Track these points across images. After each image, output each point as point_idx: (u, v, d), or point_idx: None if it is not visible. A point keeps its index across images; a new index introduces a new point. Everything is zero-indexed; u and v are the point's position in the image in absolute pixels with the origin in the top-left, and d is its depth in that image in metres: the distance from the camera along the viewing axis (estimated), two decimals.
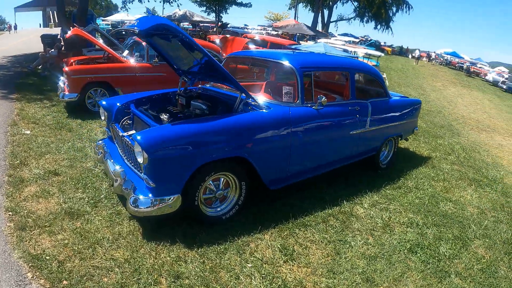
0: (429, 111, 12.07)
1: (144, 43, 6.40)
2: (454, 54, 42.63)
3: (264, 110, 3.40)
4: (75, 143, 4.96)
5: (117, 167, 3.12)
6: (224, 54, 7.46)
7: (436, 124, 10.07)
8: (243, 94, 3.39)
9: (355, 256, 3.09)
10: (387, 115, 4.98)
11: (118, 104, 3.75)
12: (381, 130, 4.91)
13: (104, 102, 3.82)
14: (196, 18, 16.81)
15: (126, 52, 6.95)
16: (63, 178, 3.85)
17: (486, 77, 32.27)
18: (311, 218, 3.57)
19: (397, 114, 5.20)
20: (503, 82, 29.00)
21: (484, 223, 4.07)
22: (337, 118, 4.15)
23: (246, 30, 25.04)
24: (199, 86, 4.36)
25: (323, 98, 3.73)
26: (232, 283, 2.54)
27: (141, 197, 2.74)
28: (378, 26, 43.94)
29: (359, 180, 4.67)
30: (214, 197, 3.15)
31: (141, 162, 2.69)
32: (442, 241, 3.56)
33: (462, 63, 38.20)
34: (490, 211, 4.49)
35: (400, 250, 3.28)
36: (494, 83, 30.11)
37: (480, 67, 36.96)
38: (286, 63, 3.82)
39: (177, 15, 16.42)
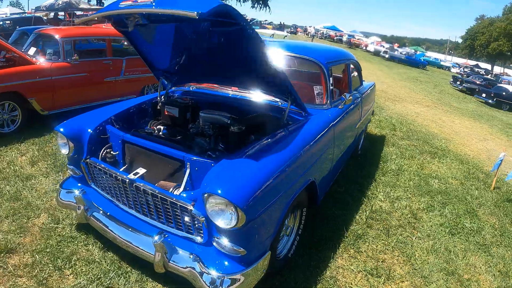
0: None
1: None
2: (333, 28, 49.19)
3: (302, 118, 3.19)
4: (2, 188, 3.68)
5: (156, 238, 2.19)
6: None
7: None
8: (286, 102, 3.08)
9: (423, 254, 3.44)
10: (367, 101, 5.51)
11: (89, 130, 2.83)
12: (365, 118, 5.45)
13: (62, 129, 2.78)
14: (83, 6, 14.25)
15: (32, 50, 5.36)
16: (26, 259, 2.75)
17: (368, 48, 38.67)
18: (356, 226, 3.73)
19: (370, 99, 5.86)
20: (385, 52, 35.31)
21: (473, 193, 5.08)
22: (352, 115, 4.34)
23: None
24: (173, 88, 3.72)
25: (349, 97, 3.82)
26: None
27: (222, 274, 2.09)
28: (255, 5, 45.94)
29: (347, 174, 5.05)
30: (282, 235, 2.81)
31: (227, 226, 2.01)
32: (461, 217, 4.30)
33: (341, 36, 44.56)
34: (466, 181, 5.60)
35: (445, 236, 3.82)
36: (376, 53, 36.37)
37: (358, 39, 43.97)
38: (311, 58, 3.68)
39: (60, 3, 13.52)
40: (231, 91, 3.46)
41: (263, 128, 3.03)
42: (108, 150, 2.86)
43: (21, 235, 3.01)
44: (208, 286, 2.05)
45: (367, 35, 65.46)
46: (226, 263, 2.14)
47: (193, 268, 2.13)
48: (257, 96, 3.29)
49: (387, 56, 34.43)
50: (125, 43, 6.30)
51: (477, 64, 48.22)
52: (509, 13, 48.27)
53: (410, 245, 3.56)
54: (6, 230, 3.05)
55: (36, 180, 3.97)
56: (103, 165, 2.60)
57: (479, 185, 5.48)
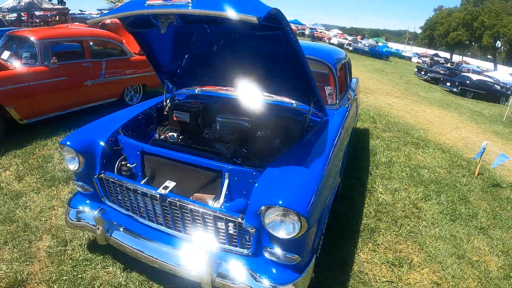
0: None
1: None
2: (295, 22, 49.96)
3: (319, 120, 3.27)
4: None
5: (209, 260, 2.10)
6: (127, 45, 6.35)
7: None
8: (304, 105, 3.15)
9: (433, 241, 3.74)
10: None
11: (101, 142, 2.65)
12: (358, 113, 5.77)
13: (69, 143, 2.54)
14: (45, 6, 13.23)
15: (5, 54, 4.95)
16: None
17: (331, 41, 39.80)
18: (368, 220, 3.94)
19: (358, 94, 6.23)
20: (349, 44, 36.61)
21: (461, 180, 5.52)
22: (351, 112, 4.53)
23: (84, 15, 21.95)
24: (177, 92, 3.58)
25: (353, 95, 3.99)
26: None
27: (274, 284, 2.09)
28: None
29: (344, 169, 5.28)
30: None
31: (289, 236, 1.99)
32: (456, 204, 4.68)
33: (303, 30, 45.43)
34: (452, 169, 6.06)
35: (447, 222, 4.15)
36: (340, 46, 37.49)
37: (321, 32, 45.13)
38: (320, 59, 3.78)
39: (23, 4, 12.43)
40: (242, 94, 3.42)
41: (286, 131, 3.06)
42: (123, 163, 2.71)
43: (27, 262, 2.77)
44: None
45: (328, 27, 67.32)
46: (278, 272, 2.13)
47: (246, 283, 2.10)
48: (273, 98, 3.32)
49: (351, 48, 35.74)
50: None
51: (436, 53, 51.31)
52: (467, 3, 51.60)
53: (419, 234, 3.82)
54: (9, 258, 2.80)
55: (28, 197, 3.72)
56: (125, 181, 2.41)
57: (464, 172, 5.96)
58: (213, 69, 3.22)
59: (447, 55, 58.00)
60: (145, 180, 2.69)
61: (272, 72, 2.89)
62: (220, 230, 2.22)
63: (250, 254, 2.19)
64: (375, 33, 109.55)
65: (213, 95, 3.56)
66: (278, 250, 2.11)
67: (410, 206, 4.46)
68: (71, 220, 2.69)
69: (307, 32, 44.21)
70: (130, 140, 2.72)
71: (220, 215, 2.13)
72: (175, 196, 2.23)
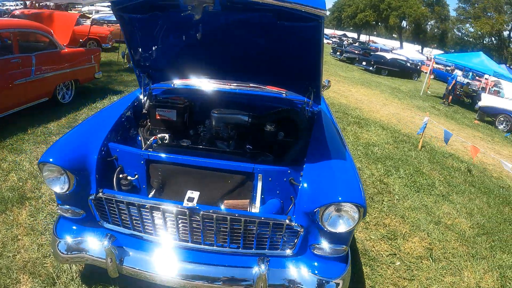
0: None
1: None
2: None
3: (310, 109, 3.20)
4: None
5: (262, 267, 1.95)
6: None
7: None
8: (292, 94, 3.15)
9: (410, 212, 4.14)
10: None
11: (93, 155, 2.18)
12: None
13: (51, 159, 2.00)
14: None
15: None
16: None
17: None
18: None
19: None
20: None
21: (410, 154, 6.22)
22: None
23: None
24: (149, 87, 3.14)
25: (328, 83, 4.13)
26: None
27: (328, 278, 2.10)
28: None
29: None
30: None
31: (348, 229, 1.99)
32: (414, 176, 5.28)
33: None
34: (398, 144, 6.77)
35: (414, 194, 4.66)
36: None
37: None
38: None
39: None
40: (229, 86, 3.27)
41: (288, 123, 2.93)
42: (122, 176, 2.30)
43: None
44: None
45: None
46: (329, 266, 2.12)
47: (301, 283, 2.05)
48: (259, 89, 3.25)
49: None
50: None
51: (344, 34, 55.41)
52: None
53: (397, 207, 4.19)
54: None
55: None
56: (136, 198, 2.01)
57: (409, 146, 6.70)
58: (200, 60, 2.93)
59: (354, 35, 63.00)
60: (152, 193, 2.36)
61: (275, 62, 2.75)
62: (262, 236, 2.08)
63: (293, 254, 2.12)
64: None
65: (193, 88, 3.27)
66: (325, 245, 2.08)
67: (378, 182, 4.85)
68: (63, 253, 2.19)
69: None
70: (129, 148, 2.35)
71: (266, 220, 1.99)
72: (208, 207, 1.98)
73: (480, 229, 4.05)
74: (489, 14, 42.66)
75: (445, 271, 3.25)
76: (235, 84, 3.28)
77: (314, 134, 2.66)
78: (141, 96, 3.02)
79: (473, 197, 4.91)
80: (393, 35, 65.90)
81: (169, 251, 2.10)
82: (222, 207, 2.15)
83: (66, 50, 5.52)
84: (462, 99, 16.03)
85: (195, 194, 2.01)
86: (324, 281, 2.06)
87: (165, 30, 2.52)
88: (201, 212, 1.94)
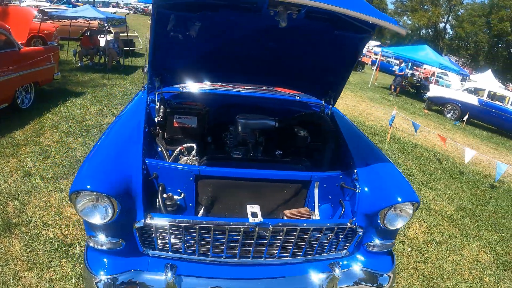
0: None
1: None
2: (144, 1, 47.05)
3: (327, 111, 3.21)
4: None
5: (337, 271, 1.98)
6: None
7: None
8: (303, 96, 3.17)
9: None
10: None
11: (139, 177, 1.91)
12: None
13: (89, 186, 1.73)
14: None
15: None
16: None
17: None
18: None
19: None
20: None
21: (382, 146, 6.63)
22: None
23: None
24: (161, 91, 2.86)
25: None
26: None
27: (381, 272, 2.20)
28: None
29: None
30: None
31: (404, 223, 2.14)
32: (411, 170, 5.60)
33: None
34: (370, 136, 7.14)
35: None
36: None
37: None
38: None
39: None
40: (242, 89, 3.15)
41: (314, 126, 2.88)
42: (167, 196, 2.06)
43: None
44: (384, 287, 2.13)
45: None
46: (383, 260, 2.22)
47: (360, 281, 2.11)
48: (271, 92, 3.22)
49: None
50: None
51: None
52: None
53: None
54: None
55: None
56: (198, 220, 1.86)
57: (379, 139, 7.13)
58: (224, 63, 2.77)
59: None
60: (201, 211, 2.19)
61: (303, 66, 2.72)
62: (324, 241, 2.10)
63: (348, 253, 2.19)
64: None
65: (206, 92, 3.07)
66: (377, 241, 2.17)
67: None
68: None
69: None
70: (175, 164, 2.17)
71: (331, 226, 2.03)
72: (275, 221, 1.93)
73: (463, 212, 4.47)
74: (425, 7, 46.25)
75: (448, 251, 3.57)
76: (248, 87, 3.18)
77: (346, 136, 2.68)
78: (149, 100, 2.79)
79: (448, 183, 5.39)
80: None
81: (232, 270, 2.00)
82: (285, 217, 2.10)
83: (24, 49, 4.91)
84: (408, 89, 17.42)
85: (256, 208, 1.95)
86: (378, 275, 2.15)
87: (203, 30, 2.30)
88: (271, 227, 1.87)
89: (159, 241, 1.90)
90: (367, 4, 1.75)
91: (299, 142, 2.71)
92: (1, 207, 3.02)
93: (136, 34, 12.42)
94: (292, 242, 1.97)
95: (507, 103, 11.41)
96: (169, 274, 1.76)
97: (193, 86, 3.03)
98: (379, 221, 2.06)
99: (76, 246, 2.68)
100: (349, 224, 2.04)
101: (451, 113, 12.39)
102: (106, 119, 5.42)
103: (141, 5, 44.14)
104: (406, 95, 16.12)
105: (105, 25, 9.35)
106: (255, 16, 2.05)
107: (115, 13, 15.80)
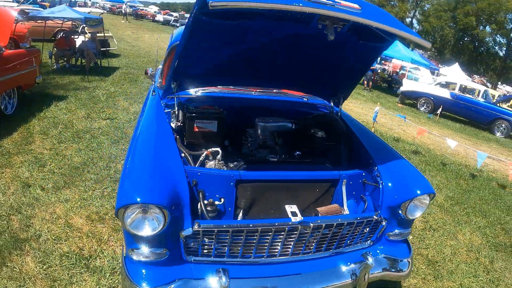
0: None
1: None
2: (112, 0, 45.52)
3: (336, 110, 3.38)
4: None
5: (370, 260, 2.10)
6: None
7: None
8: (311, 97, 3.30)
9: None
10: None
11: (185, 185, 1.90)
12: None
13: (139, 199, 1.70)
14: None
15: None
16: None
17: (156, 18, 38.50)
18: None
19: None
20: (176, 21, 36.31)
21: None
22: None
23: None
24: (174, 97, 2.84)
25: None
26: None
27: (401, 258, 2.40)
28: None
29: None
30: None
31: (421, 213, 2.35)
32: None
33: (120, 7, 42.03)
34: None
35: None
36: (165, 23, 36.85)
37: (142, 9, 42.77)
38: None
39: None
40: (255, 92, 3.20)
41: (327, 127, 2.99)
42: (208, 202, 2.04)
43: None
44: (405, 272, 2.33)
45: (145, 4, 64.49)
46: (402, 248, 2.44)
47: (386, 267, 2.29)
48: (284, 94, 3.30)
49: (178, 24, 35.68)
50: None
51: None
52: None
53: None
54: None
55: None
56: (245, 224, 1.87)
57: None
58: (242, 68, 2.76)
59: None
60: (240, 214, 2.23)
61: (318, 70, 2.82)
62: (354, 233, 2.25)
63: (372, 243, 2.37)
64: (187, 7, 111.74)
65: (219, 96, 3.08)
66: (397, 231, 2.37)
67: None
68: None
69: (128, 10, 40.90)
70: (216, 170, 2.20)
71: (361, 219, 2.18)
72: (313, 218, 2.04)
73: (452, 201, 4.74)
74: (392, 2, 47.56)
75: (445, 237, 3.81)
76: (259, 90, 3.22)
77: (359, 135, 2.83)
78: (163, 105, 2.77)
79: (434, 175, 5.68)
80: None
81: (273, 268, 2.06)
82: (319, 214, 2.21)
83: (7, 52, 4.65)
84: (380, 84, 17.98)
85: (294, 208, 2.06)
86: (399, 261, 2.35)
87: (232, 37, 2.31)
88: (311, 224, 1.97)
89: (203, 247, 1.92)
90: (394, 18, 1.94)
91: (318, 142, 2.82)
92: (5, 222, 2.86)
93: (110, 34, 12.03)
94: (327, 237, 2.11)
95: (477, 95, 12.11)
96: (224, 279, 1.78)
97: (204, 90, 3.02)
98: (400, 212, 2.25)
99: (96, 258, 2.59)
100: (375, 217, 2.22)
101: (424, 107, 12.97)
102: (95, 123, 5.26)
103: (108, 4, 42.71)
104: (379, 90, 16.64)
105: (83, 25, 8.98)
106: (286, 25, 2.13)
107: (89, 13, 15.21)
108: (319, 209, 2.26)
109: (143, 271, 1.84)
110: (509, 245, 3.94)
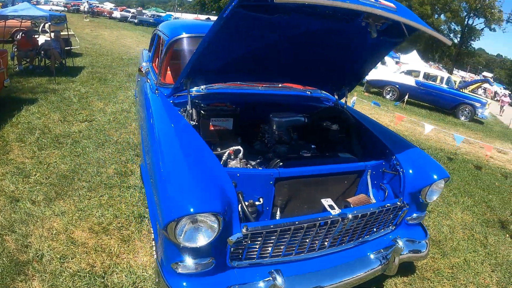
0: (114, 57, 11.71)
1: None
2: None
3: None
4: None
5: (400, 243, 2.28)
6: None
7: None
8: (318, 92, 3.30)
9: None
10: None
11: (232, 189, 1.78)
12: None
13: (192, 209, 1.57)
14: None
15: None
16: None
17: (113, 15, 36.65)
18: None
19: None
20: (133, 17, 34.70)
21: None
22: None
23: None
24: (178, 94, 2.76)
25: None
26: None
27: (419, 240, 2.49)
28: None
29: None
30: None
31: (437, 197, 2.45)
32: None
33: (78, 5, 39.78)
34: None
35: None
36: (123, 19, 35.18)
37: (98, 6, 40.59)
38: None
39: None
40: (262, 87, 3.10)
41: (336, 119, 2.98)
42: (248, 203, 1.94)
43: None
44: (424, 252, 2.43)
45: (100, 1, 61.39)
46: (420, 230, 2.56)
47: (411, 249, 2.38)
48: (289, 89, 3.24)
49: (136, 21, 34.29)
50: None
51: (208, 18, 55.19)
52: None
53: None
54: None
55: None
56: (291, 222, 1.82)
57: None
58: (249, 64, 2.62)
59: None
60: (278, 212, 2.16)
61: (329, 64, 2.77)
62: (381, 221, 2.30)
63: (394, 228, 2.44)
64: (141, 3, 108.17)
65: (228, 92, 2.94)
66: (415, 215, 2.46)
67: None
68: None
69: (84, 7, 38.65)
70: (254, 170, 2.12)
71: (389, 207, 2.22)
72: (351, 209, 2.05)
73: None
74: None
75: (440, 218, 3.96)
76: (266, 85, 3.12)
77: (370, 126, 2.86)
78: (189, 105, 2.54)
79: None
80: None
81: (314, 262, 2.03)
82: (351, 205, 2.20)
83: None
84: None
85: (330, 201, 2.04)
86: (417, 243, 2.45)
87: (259, 32, 2.18)
88: (349, 215, 1.97)
89: (248, 250, 1.82)
90: (417, 16, 2.00)
91: (332, 135, 2.84)
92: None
93: (73, 33, 11.24)
94: (360, 226, 2.14)
95: (439, 82, 12.70)
96: (279, 279, 1.73)
97: (211, 87, 2.85)
98: (420, 197, 2.33)
99: (111, 274, 2.35)
100: (399, 203, 2.28)
101: (390, 95, 13.42)
102: (74, 127, 4.85)
103: (61, 2, 40.16)
104: None
105: (48, 23, 8.26)
106: (318, 21, 2.08)
107: (50, 10, 14.14)
108: (350, 200, 2.25)
109: (186, 284, 1.68)
110: (497, 221, 4.16)
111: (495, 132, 12.29)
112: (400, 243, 2.24)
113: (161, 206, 1.60)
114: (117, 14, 37.48)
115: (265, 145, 2.71)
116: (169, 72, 3.19)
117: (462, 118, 12.36)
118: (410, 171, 2.36)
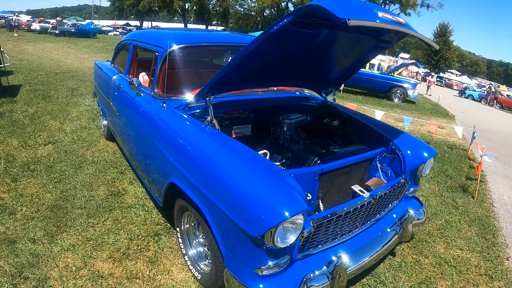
0: (43, 71, 10.73)
1: None
2: None
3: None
4: None
5: (411, 211, 2.71)
6: None
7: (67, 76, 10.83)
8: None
9: None
10: None
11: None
12: None
13: (287, 213, 1.60)
14: None
15: None
16: None
17: (32, 27, 32.89)
18: None
19: None
20: (54, 28, 31.50)
21: None
22: None
23: None
24: (191, 101, 2.72)
25: None
26: None
27: (418, 208, 2.85)
28: None
29: None
30: None
31: (427, 173, 2.79)
32: None
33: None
34: None
35: None
36: (43, 31, 31.78)
37: (17, 20, 36.05)
38: None
39: None
40: (261, 92, 3.22)
41: (332, 115, 3.22)
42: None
43: None
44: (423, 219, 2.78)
45: (12, 13, 54.68)
46: (419, 201, 2.95)
47: (415, 217, 2.73)
48: (282, 91, 3.41)
49: (57, 32, 31.34)
50: None
51: (127, 23, 52.66)
52: None
53: None
54: None
55: None
56: (348, 206, 2.06)
57: None
58: (261, 72, 2.66)
59: (137, 23, 61.75)
60: (321, 203, 2.33)
61: (323, 67, 2.97)
62: (392, 197, 2.60)
63: (397, 202, 2.74)
64: (55, 12, 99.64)
65: (236, 99, 2.97)
66: (412, 189, 2.81)
67: None
68: None
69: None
70: (305, 169, 2.18)
71: (397, 184, 2.53)
72: (376, 190, 2.31)
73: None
74: None
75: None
76: (263, 90, 3.23)
77: (361, 119, 3.14)
78: (211, 116, 2.47)
79: None
80: (175, 18, 67.09)
81: (354, 241, 2.27)
82: (372, 188, 2.44)
83: None
84: None
85: (358, 187, 2.32)
86: (417, 211, 2.78)
87: (292, 44, 2.28)
88: (377, 196, 2.25)
89: (311, 241, 1.97)
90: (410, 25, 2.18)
91: (335, 130, 3.08)
92: None
93: (2, 49, 9.83)
94: (382, 204, 2.43)
95: (370, 68, 13.70)
96: (345, 258, 2.03)
97: (218, 96, 2.78)
98: (417, 173, 2.66)
99: None
100: (402, 180, 2.59)
101: None
102: (39, 151, 4.31)
103: None
104: None
105: None
106: (346, 34, 2.31)
107: None
108: (368, 183, 2.54)
109: (267, 285, 1.76)
110: (457, 186, 4.72)
111: (428, 109, 13.42)
112: (411, 211, 2.63)
113: (249, 218, 1.63)
114: (36, 26, 33.68)
115: (280, 146, 2.81)
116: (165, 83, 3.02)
117: (396, 100, 13.52)
118: (408, 152, 2.68)
